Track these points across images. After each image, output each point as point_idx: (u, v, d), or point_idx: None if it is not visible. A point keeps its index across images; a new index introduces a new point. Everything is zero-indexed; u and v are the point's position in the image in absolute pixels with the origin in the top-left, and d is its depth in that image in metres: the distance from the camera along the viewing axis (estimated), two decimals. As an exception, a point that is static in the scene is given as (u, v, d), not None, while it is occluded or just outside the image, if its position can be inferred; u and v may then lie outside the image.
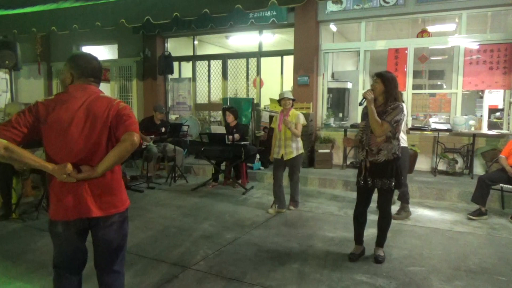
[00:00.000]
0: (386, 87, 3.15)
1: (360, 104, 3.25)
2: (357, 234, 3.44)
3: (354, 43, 8.00)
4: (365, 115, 3.28)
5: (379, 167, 3.17)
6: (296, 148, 4.84)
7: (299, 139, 4.91)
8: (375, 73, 3.28)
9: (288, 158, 4.81)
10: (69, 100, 1.92)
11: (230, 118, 6.34)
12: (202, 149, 6.05)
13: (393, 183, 3.17)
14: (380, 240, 3.39)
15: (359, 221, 3.42)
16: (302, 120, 4.85)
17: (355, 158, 7.20)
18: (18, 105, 5.04)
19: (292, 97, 4.91)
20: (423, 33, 7.13)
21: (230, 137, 6.00)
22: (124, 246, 2.09)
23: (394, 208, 4.47)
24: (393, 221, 3.52)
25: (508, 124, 6.54)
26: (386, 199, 3.28)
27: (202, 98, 9.22)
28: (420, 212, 4.88)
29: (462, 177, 6.29)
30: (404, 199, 4.57)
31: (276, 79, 8.45)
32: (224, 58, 8.97)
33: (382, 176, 3.17)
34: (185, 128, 7.10)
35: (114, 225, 1.98)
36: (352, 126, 7.10)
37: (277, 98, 5.20)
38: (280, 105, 4.99)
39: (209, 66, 9.06)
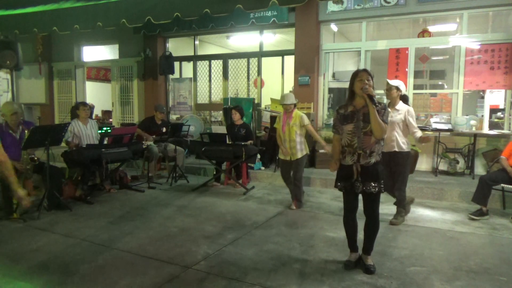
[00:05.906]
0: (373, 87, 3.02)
1: (377, 103, 2.96)
2: (352, 240, 3.28)
3: (355, 43, 7.99)
4: (344, 118, 3.13)
5: (369, 170, 3.04)
6: (301, 149, 4.95)
7: (303, 139, 5.00)
8: (364, 70, 3.11)
9: (294, 158, 4.94)
10: None
11: (237, 116, 6.35)
12: (203, 149, 6.05)
13: (382, 186, 3.06)
14: (368, 247, 3.18)
15: (351, 226, 3.26)
16: (306, 120, 4.94)
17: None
18: (11, 105, 4.89)
19: (293, 102, 4.97)
20: (424, 33, 7.13)
21: (249, 142, 6.14)
22: None
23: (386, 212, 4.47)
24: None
25: (509, 124, 6.53)
26: (374, 203, 3.12)
27: (203, 98, 9.23)
28: (421, 212, 4.87)
29: (463, 177, 6.28)
30: (401, 205, 4.37)
31: (277, 79, 8.45)
32: (225, 58, 8.98)
33: (372, 180, 3.02)
34: (185, 128, 7.10)
35: None
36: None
37: (277, 98, 5.24)
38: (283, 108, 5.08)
39: (210, 66, 9.07)
